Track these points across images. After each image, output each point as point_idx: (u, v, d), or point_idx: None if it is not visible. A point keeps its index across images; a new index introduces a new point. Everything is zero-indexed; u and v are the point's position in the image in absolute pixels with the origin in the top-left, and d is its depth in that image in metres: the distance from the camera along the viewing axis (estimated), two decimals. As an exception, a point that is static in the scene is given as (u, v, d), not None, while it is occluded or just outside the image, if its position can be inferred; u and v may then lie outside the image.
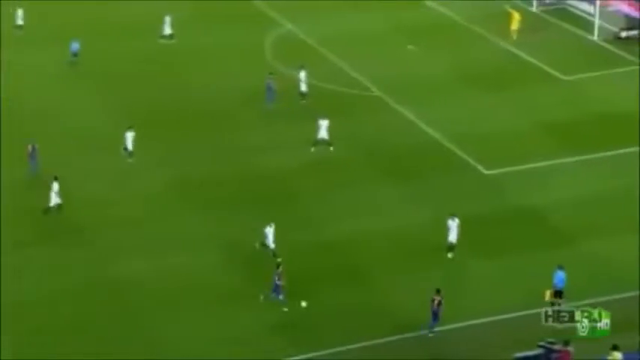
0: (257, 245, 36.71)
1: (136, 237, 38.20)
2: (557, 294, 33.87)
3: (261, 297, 34.37)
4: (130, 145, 43.00)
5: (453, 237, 36.43)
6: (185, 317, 34.01)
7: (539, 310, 33.39)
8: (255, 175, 42.38)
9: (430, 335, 32.94)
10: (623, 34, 54.64)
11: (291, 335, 33.11)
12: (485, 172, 42.39)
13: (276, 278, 34.28)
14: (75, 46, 52.80)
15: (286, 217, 39.12)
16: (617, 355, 29.38)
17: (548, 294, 33.58)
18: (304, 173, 42.46)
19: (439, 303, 32.70)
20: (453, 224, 36.41)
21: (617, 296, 34.01)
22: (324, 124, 43.93)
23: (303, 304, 33.81)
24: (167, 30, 55.30)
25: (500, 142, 44.65)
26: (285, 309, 33.99)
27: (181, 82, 50.95)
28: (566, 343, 30.34)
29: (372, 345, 32.54)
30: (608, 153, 43.31)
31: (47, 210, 38.92)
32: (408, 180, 41.92)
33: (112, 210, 39.87)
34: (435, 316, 32.82)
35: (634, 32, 54.64)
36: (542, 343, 30.55)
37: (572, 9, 58.78)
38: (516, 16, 55.32)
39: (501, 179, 41.77)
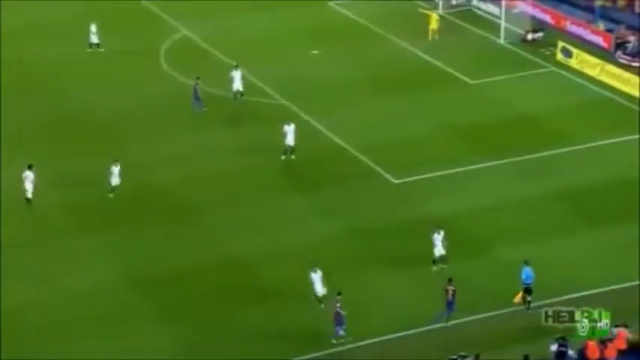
0: (313, 298, 34.61)
1: (27, 260, 37.14)
2: (527, 291, 34.08)
3: (334, 342, 32.92)
4: (116, 180, 40.86)
5: (440, 250, 36.27)
6: (87, 343, 33.14)
7: (453, 322, 33.68)
8: (154, 189, 41.64)
9: (448, 324, 33.33)
10: (529, 36, 55.31)
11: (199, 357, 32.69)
12: (395, 180, 42.31)
13: (338, 306, 32.67)
14: None
15: (189, 233, 38.56)
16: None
17: (519, 296, 33.92)
18: (208, 185, 41.88)
19: (454, 293, 33.15)
20: (438, 237, 36.26)
21: (532, 304, 34.30)
22: (290, 129, 43.35)
23: None
24: (94, 39, 53.88)
25: (408, 149, 44.72)
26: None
27: (79, 93, 49.89)
28: (477, 356, 30.61)
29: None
30: (519, 158, 43.62)
31: (29, 200, 39.58)
32: (316, 191, 41.65)
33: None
34: (450, 305, 33.29)
35: (540, 34, 55.41)
36: (453, 357, 30.76)
37: (478, 11, 59.30)
38: (435, 16, 55.66)
39: (411, 187, 41.77)
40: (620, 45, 53.28)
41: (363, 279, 36.04)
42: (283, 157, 43.53)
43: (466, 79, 51.24)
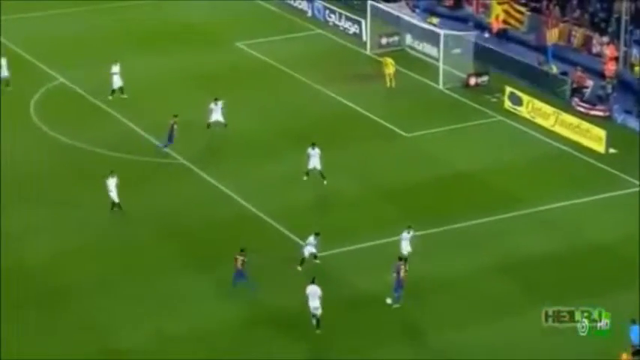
0: None
1: None
2: (638, 352, 34.54)
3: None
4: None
5: (407, 248, 39.60)
6: None
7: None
8: (20, 267, 40.46)
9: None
10: (472, 80, 55.26)
11: None
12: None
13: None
14: None
15: (59, 320, 37.51)
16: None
17: (624, 356, 34.00)
18: (85, 262, 40.74)
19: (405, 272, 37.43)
20: (407, 236, 39.65)
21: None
22: (315, 153, 45.56)
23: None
24: (117, 82, 53.48)
25: (330, 214, 43.89)
26: None
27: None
28: None
29: None
30: (459, 224, 42.78)
31: (114, 205, 43.91)
32: (218, 266, 40.10)
33: None
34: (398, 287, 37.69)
35: (484, 78, 55.30)
36: None
37: (413, 52, 59.44)
38: (390, 60, 55.71)
39: (334, 261, 40.44)
40: (577, 90, 53.28)
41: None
42: (305, 178, 45.76)
43: (399, 131, 50.92)
